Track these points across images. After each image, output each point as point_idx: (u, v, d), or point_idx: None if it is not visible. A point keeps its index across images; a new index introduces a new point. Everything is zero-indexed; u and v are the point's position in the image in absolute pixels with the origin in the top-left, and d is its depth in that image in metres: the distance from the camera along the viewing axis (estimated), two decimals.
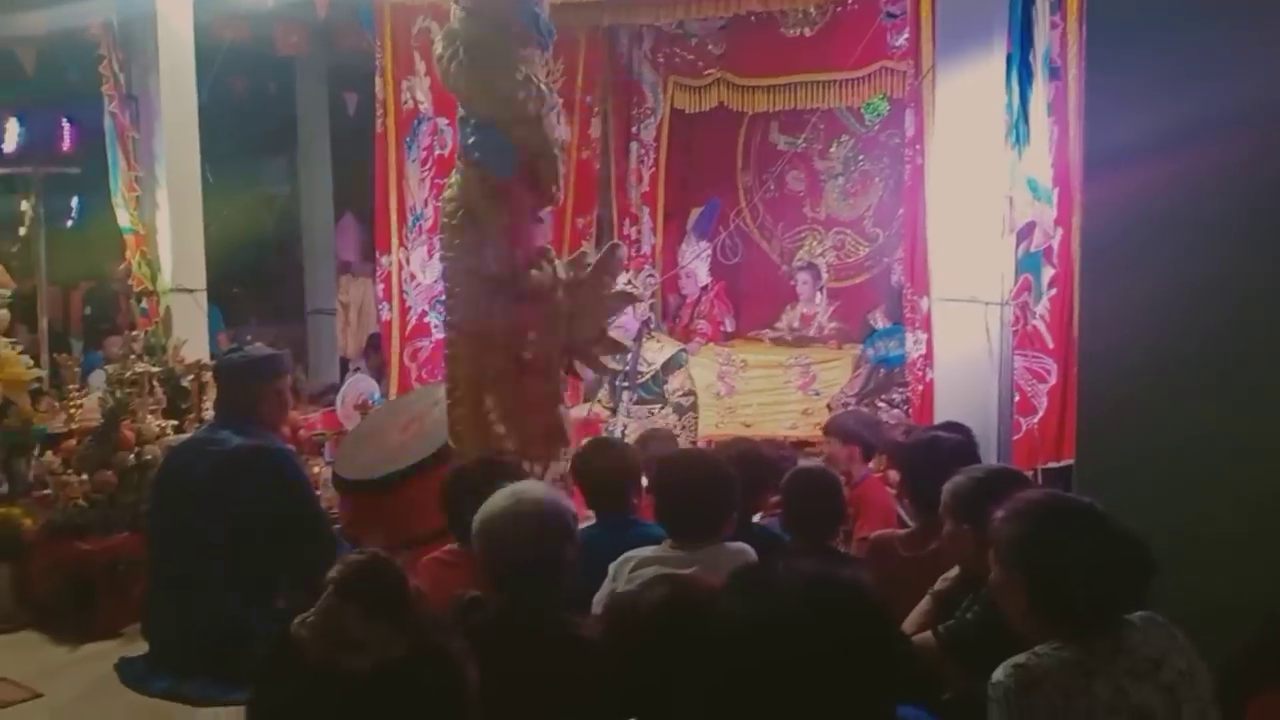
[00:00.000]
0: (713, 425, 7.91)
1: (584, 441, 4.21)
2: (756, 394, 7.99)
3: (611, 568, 3.21)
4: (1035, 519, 2.28)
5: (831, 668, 1.40)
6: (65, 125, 6.68)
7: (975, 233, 4.83)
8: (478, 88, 3.91)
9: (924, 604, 3.02)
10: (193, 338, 6.28)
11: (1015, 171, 4.60)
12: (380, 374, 8.37)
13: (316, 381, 10.00)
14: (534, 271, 4.01)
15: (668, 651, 1.84)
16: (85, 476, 4.49)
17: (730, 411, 8.02)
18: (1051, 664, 2.14)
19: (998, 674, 2.15)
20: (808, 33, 8.07)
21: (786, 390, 7.93)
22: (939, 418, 4.94)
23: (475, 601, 2.68)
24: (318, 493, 4.60)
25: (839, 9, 7.78)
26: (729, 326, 8.65)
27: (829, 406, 7.56)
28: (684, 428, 7.90)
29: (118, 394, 4.68)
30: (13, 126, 6.33)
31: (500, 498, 2.76)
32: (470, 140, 3.97)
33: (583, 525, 3.81)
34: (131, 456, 4.53)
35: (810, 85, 8.17)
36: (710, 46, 8.53)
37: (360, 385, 8.08)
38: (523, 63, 3.89)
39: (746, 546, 3.20)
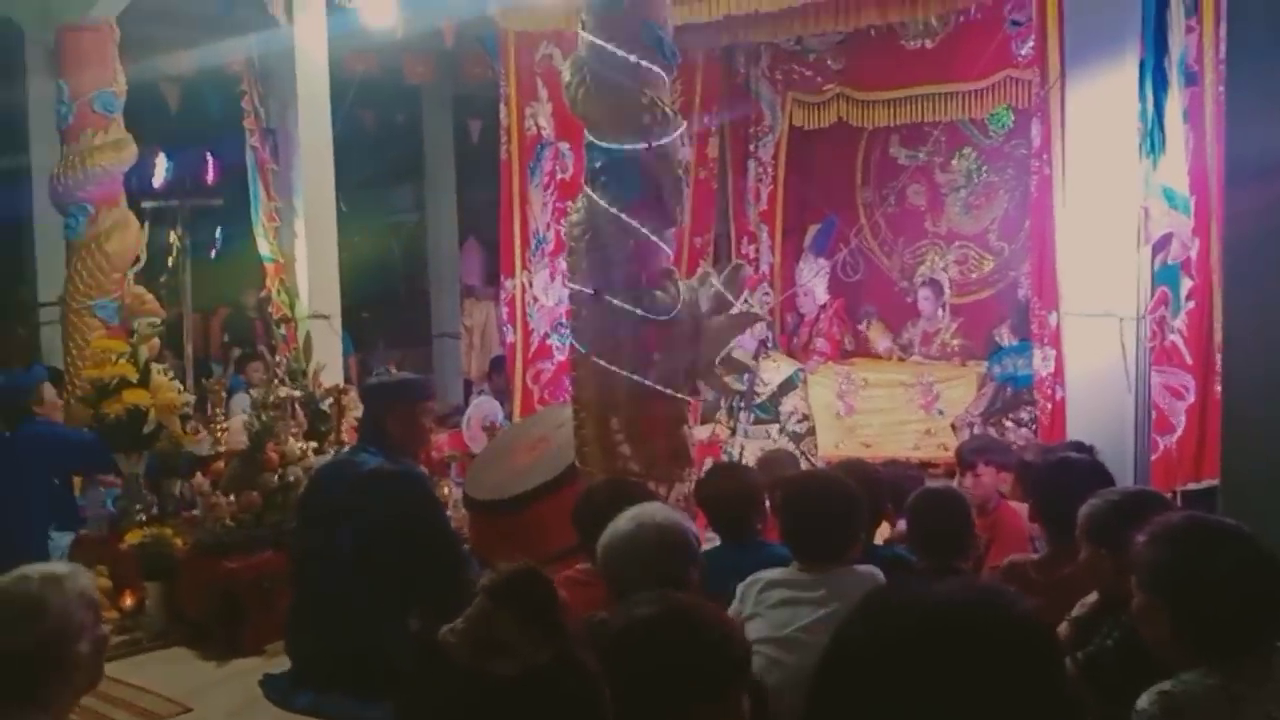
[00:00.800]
0: (832, 445, 7.83)
1: (706, 464, 4.23)
2: (877, 413, 7.87)
3: (739, 589, 3.21)
4: (1178, 542, 2.22)
5: (978, 699, 1.24)
6: (209, 159, 7.03)
7: (1108, 245, 4.69)
8: (605, 113, 3.99)
9: (1061, 630, 2.95)
10: (329, 362, 6.53)
11: (1150, 181, 4.46)
12: (503, 396, 8.54)
13: (442, 404, 10.23)
14: (658, 292, 4.06)
15: (659, 670, 1.84)
16: (232, 497, 4.70)
17: (850, 431, 7.93)
18: (1197, 691, 2.09)
19: (1142, 701, 2.10)
20: (929, 44, 7.96)
21: (909, 409, 7.79)
22: (1071, 437, 4.80)
23: (604, 624, 2.72)
24: (448, 513, 4.71)
25: (961, 18, 7.65)
26: (849, 344, 8.57)
27: (953, 426, 7.42)
28: (803, 453, 7.83)
29: (263, 417, 4.89)
30: (161, 162, 6.70)
31: (623, 520, 2.80)
32: (597, 164, 4.05)
33: (706, 548, 3.85)
34: (275, 478, 4.72)
35: (932, 98, 8.06)
36: (829, 62, 8.49)
37: (485, 407, 8.25)
38: (648, 86, 3.95)
39: (876, 570, 3.17)
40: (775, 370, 8.07)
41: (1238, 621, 2.11)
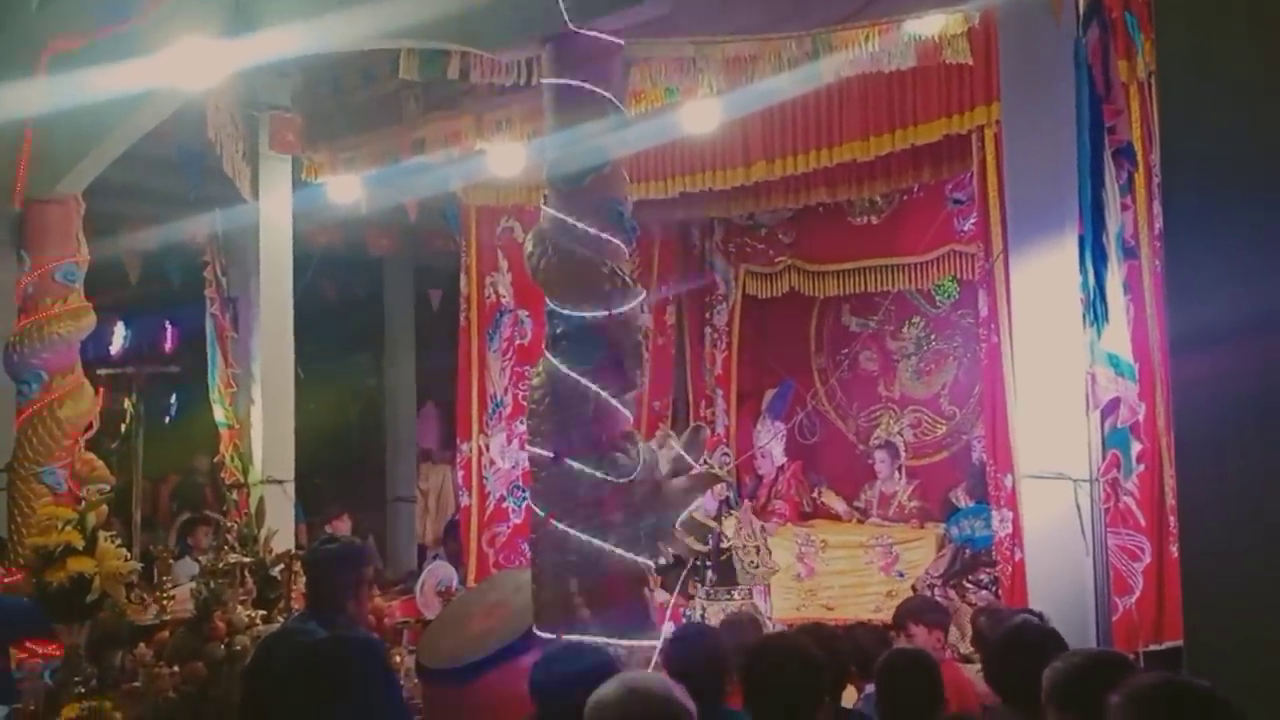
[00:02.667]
0: (794, 609, 7.75)
1: (673, 628, 4.17)
2: (838, 575, 7.85)
3: None
4: (1155, 706, 2.21)
5: None
6: (167, 327, 7.07)
7: (1059, 410, 4.80)
8: (566, 282, 4.09)
9: None
10: (281, 527, 6.42)
11: (1095, 349, 4.61)
12: (458, 560, 8.40)
13: (396, 569, 10.06)
14: (619, 455, 4.08)
15: None
16: (176, 668, 4.52)
17: (811, 594, 7.87)
18: None
19: None
20: (874, 220, 8.30)
21: (869, 571, 7.78)
22: (1032, 599, 4.81)
23: None
24: (401, 683, 4.56)
25: (905, 197, 8.01)
26: (807, 506, 8.59)
27: (914, 588, 7.40)
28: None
29: (211, 585, 4.77)
30: (119, 330, 6.72)
31: (611, 687, 2.70)
32: (558, 330, 4.13)
33: None
34: (222, 648, 4.56)
35: (879, 270, 8.36)
36: (780, 235, 8.81)
37: (439, 572, 8.08)
38: (609, 257, 4.08)
39: None
40: (736, 527, 8.03)
41: None
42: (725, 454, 8.62)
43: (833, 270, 8.59)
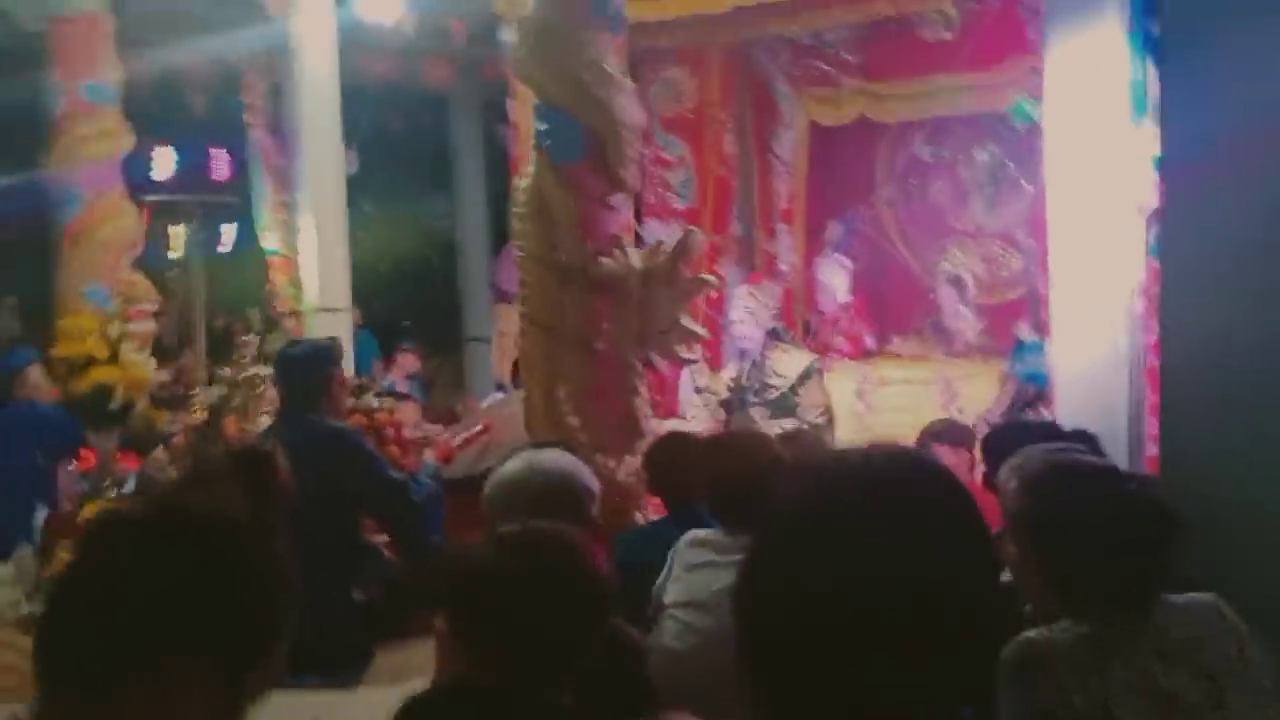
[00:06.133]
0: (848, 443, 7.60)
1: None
2: (896, 412, 7.63)
3: (671, 551, 3.07)
4: (1043, 487, 2.04)
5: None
6: (218, 155, 7.07)
7: (1099, 223, 4.42)
8: (546, 72, 3.88)
9: None
10: None
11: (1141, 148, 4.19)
12: None
13: (476, 405, 10.19)
14: (605, 260, 3.93)
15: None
16: None
17: (868, 431, 7.68)
18: (1063, 640, 1.92)
19: (1005, 650, 1.91)
20: (947, 35, 7.73)
21: (927, 408, 7.54)
22: (1060, 411, 4.53)
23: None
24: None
25: (977, 4, 7.42)
26: (870, 343, 8.33)
27: (973, 426, 7.14)
28: None
29: (224, 393, 4.85)
30: (167, 156, 6.73)
31: (513, 463, 2.65)
32: (542, 127, 3.94)
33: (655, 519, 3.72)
34: None
35: (952, 91, 7.83)
36: (848, 57, 8.28)
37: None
38: (590, 45, 3.84)
39: None
40: (790, 363, 7.82)
41: (1109, 568, 1.92)
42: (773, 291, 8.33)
43: (903, 94, 8.07)
